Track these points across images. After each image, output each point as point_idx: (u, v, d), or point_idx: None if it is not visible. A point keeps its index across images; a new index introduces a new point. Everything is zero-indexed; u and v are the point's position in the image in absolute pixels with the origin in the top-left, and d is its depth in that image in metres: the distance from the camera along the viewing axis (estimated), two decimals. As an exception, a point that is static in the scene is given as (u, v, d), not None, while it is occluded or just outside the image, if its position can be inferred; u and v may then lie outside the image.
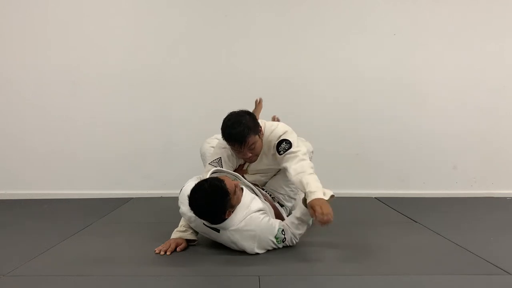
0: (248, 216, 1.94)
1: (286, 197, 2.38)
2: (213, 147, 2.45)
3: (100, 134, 3.45)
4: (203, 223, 1.95)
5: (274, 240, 1.99)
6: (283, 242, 2.02)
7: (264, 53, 3.44)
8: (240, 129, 2.03)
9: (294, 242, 2.08)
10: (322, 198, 1.89)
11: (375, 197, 3.39)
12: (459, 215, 2.89)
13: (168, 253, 1.98)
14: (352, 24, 3.45)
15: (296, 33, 3.44)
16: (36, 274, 1.78)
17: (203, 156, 2.56)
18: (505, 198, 3.42)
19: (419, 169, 3.51)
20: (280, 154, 2.13)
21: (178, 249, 2.02)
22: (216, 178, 1.90)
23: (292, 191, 2.39)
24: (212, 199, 1.83)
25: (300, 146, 2.15)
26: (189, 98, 3.46)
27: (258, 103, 2.74)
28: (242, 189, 2.00)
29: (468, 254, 2.01)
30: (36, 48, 3.40)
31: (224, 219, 1.90)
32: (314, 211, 1.84)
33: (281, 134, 2.17)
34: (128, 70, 3.43)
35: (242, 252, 1.98)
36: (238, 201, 1.93)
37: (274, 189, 2.37)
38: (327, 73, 3.46)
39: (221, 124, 2.13)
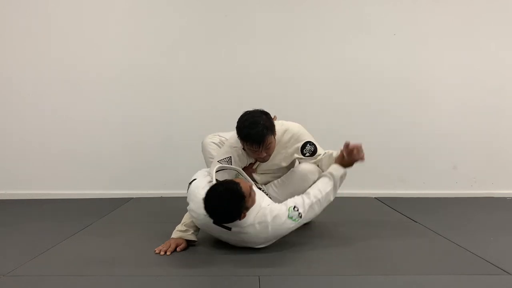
0: (260, 212, 1.95)
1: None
2: (214, 142, 2.45)
3: (100, 134, 3.45)
4: (213, 221, 1.94)
5: (289, 221, 1.96)
6: (300, 217, 1.98)
7: (264, 53, 3.44)
8: (258, 129, 2.04)
9: (316, 208, 2.04)
10: None
11: (375, 197, 3.39)
12: (459, 215, 2.89)
13: (168, 253, 1.99)
14: (352, 24, 3.45)
15: (296, 33, 3.45)
16: (36, 274, 1.78)
17: (203, 151, 2.52)
18: (505, 198, 3.42)
19: (419, 169, 3.51)
20: (306, 156, 2.24)
21: (178, 249, 2.02)
22: (232, 181, 1.92)
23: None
24: (229, 203, 1.83)
25: (319, 146, 2.29)
26: (189, 98, 3.46)
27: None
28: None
29: (468, 254, 2.01)
30: (36, 48, 3.40)
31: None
32: (352, 148, 2.06)
33: (296, 133, 2.25)
34: (128, 70, 3.43)
35: (242, 252, 1.98)
36: (253, 203, 1.94)
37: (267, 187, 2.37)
38: (327, 73, 3.46)
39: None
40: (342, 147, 2.13)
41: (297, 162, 2.48)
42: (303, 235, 2.27)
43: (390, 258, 1.97)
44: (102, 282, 1.70)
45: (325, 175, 2.15)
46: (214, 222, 1.94)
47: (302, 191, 2.17)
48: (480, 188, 3.49)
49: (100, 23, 3.42)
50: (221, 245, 2.10)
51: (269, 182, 2.36)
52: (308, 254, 2.01)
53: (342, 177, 2.14)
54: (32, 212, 2.97)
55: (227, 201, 1.83)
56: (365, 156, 2.14)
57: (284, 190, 2.26)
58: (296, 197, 2.07)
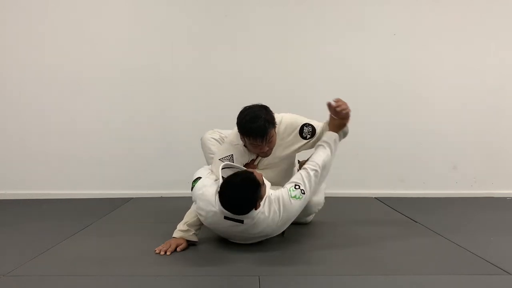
0: (267, 200, 1.97)
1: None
2: (214, 138, 2.44)
3: (100, 134, 3.45)
4: (225, 217, 1.94)
5: (294, 200, 1.98)
6: (303, 193, 2.00)
7: (264, 53, 3.44)
8: (260, 123, 2.04)
9: (317, 179, 2.05)
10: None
11: (375, 197, 3.39)
12: (459, 215, 2.89)
13: (168, 253, 1.99)
14: (352, 24, 3.44)
15: (295, 32, 3.44)
16: (36, 274, 1.78)
17: (203, 147, 2.51)
18: (505, 198, 3.42)
19: (419, 169, 3.51)
20: (307, 139, 2.24)
21: (178, 249, 2.02)
22: (247, 171, 1.98)
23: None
24: (247, 191, 1.87)
25: (317, 123, 2.29)
26: (189, 98, 3.46)
27: None
28: None
29: (468, 254, 2.01)
30: (36, 48, 3.39)
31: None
32: (335, 106, 2.05)
33: (290, 121, 2.26)
34: (128, 70, 3.43)
35: (242, 252, 1.99)
36: (265, 192, 1.97)
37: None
38: (326, 73, 3.46)
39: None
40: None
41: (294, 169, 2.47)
42: (303, 235, 2.28)
43: (390, 258, 1.97)
44: (102, 282, 1.70)
45: (318, 145, 2.16)
46: (226, 217, 1.94)
47: None
48: (480, 188, 3.49)
49: (99, 23, 3.41)
50: (221, 245, 2.11)
51: (268, 178, 2.35)
52: (308, 254, 2.01)
53: (336, 141, 2.17)
54: (32, 212, 2.97)
55: (245, 190, 1.87)
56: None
57: None
58: (293, 177, 2.09)
